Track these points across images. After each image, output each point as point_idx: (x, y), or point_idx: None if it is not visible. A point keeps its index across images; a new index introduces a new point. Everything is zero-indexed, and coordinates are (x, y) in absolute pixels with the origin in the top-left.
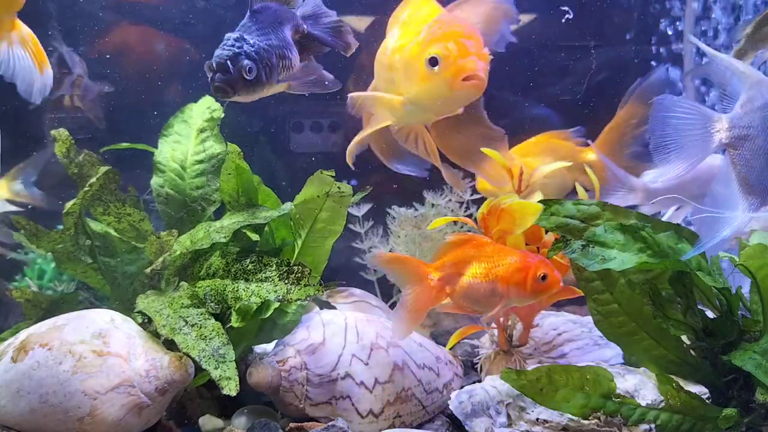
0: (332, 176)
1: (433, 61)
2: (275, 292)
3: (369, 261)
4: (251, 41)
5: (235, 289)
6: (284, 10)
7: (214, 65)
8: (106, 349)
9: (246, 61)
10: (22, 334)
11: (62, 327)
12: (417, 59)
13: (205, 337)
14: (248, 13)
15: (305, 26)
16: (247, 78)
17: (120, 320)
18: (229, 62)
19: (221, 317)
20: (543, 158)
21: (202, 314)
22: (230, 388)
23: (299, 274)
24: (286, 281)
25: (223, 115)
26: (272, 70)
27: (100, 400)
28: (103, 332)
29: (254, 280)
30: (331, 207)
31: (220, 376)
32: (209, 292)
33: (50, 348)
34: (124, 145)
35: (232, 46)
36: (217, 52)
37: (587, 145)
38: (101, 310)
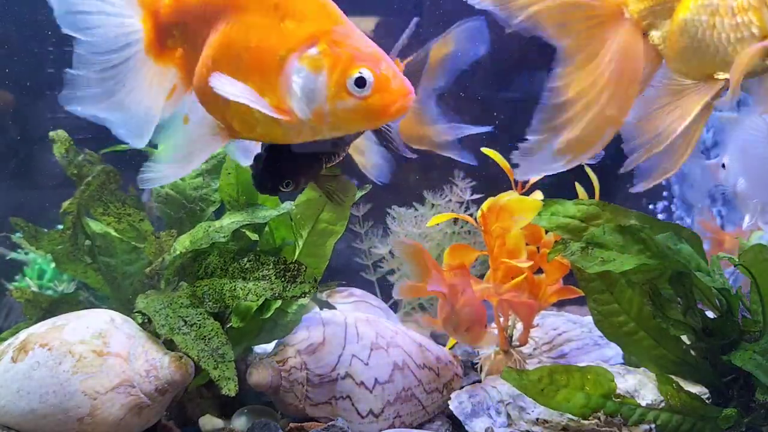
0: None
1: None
2: (272, 290)
3: (395, 244)
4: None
5: (233, 288)
6: None
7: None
8: (106, 349)
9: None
10: (22, 334)
11: (62, 327)
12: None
13: (204, 336)
14: None
15: None
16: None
17: (120, 320)
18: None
19: (221, 317)
20: None
21: (201, 314)
22: (229, 388)
23: (295, 272)
24: (283, 279)
25: None
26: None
27: (100, 400)
28: (103, 332)
29: (251, 278)
30: (334, 207)
31: (219, 376)
32: (207, 291)
33: (50, 348)
34: (124, 146)
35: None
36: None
37: None
38: (101, 310)
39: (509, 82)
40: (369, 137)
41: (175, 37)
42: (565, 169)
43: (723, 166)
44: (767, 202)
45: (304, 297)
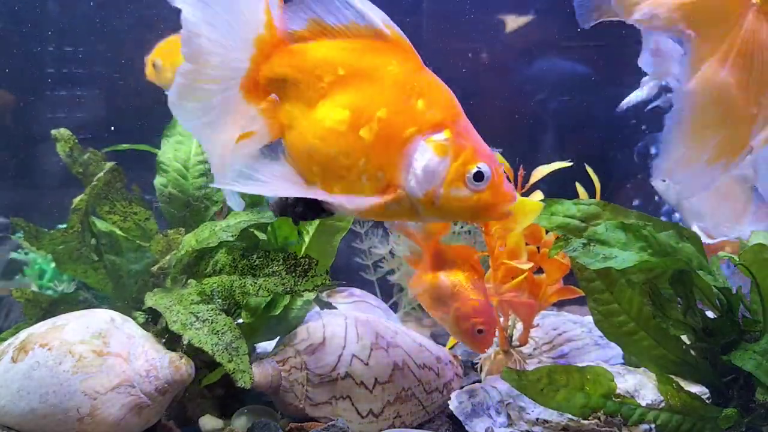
0: None
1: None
2: (282, 285)
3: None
4: None
5: (243, 284)
6: None
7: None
8: (106, 349)
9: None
10: (22, 334)
11: (62, 327)
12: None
13: (217, 331)
14: None
15: None
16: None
17: (120, 320)
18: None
19: (230, 314)
20: None
21: (212, 310)
22: (245, 381)
23: (306, 266)
24: (293, 274)
25: None
26: None
27: (100, 400)
28: (103, 332)
29: (261, 275)
30: None
31: (234, 369)
32: (216, 288)
33: (50, 348)
34: (126, 146)
35: None
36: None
37: None
38: (101, 310)
39: (506, 84)
40: None
41: (279, 86)
42: (725, 175)
43: (664, 180)
44: (715, 217)
45: (316, 290)
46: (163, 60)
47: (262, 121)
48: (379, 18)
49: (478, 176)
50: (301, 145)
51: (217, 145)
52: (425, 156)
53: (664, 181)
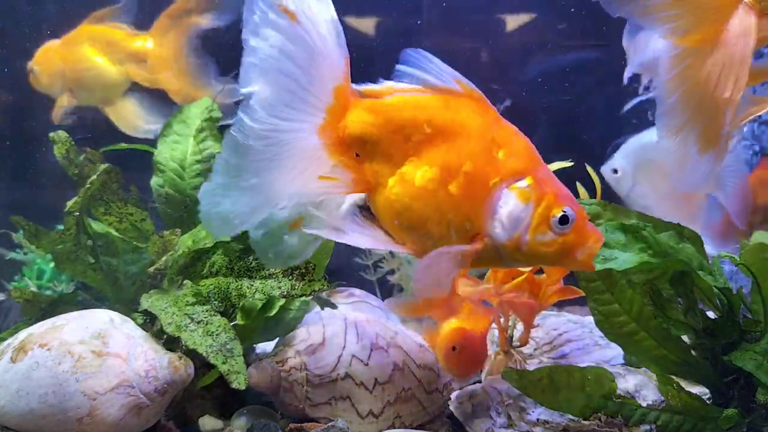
0: None
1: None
2: (279, 288)
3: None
4: None
5: (239, 286)
6: None
7: None
8: (106, 349)
9: None
10: (21, 335)
11: (61, 327)
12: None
13: (212, 333)
14: None
15: None
16: None
17: (119, 320)
18: None
19: (226, 315)
20: (95, 48)
21: (207, 311)
22: (239, 382)
23: (303, 270)
24: (290, 277)
25: (221, 115)
26: None
27: (100, 401)
28: (102, 332)
29: (258, 277)
30: None
31: (228, 370)
32: (213, 290)
33: (49, 348)
34: (123, 145)
35: None
36: None
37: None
38: (100, 311)
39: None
40: None
41: (361, 144)
42: (721, 166)
43: (615, 171)
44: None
45: (314, 295)
46: (39, 67)
47: (345, 173)
48: (449, 74)
49: (563, 220)
50: (392, 204)
51: (296, 190)
52: (509, 203)
53: (615, 172)
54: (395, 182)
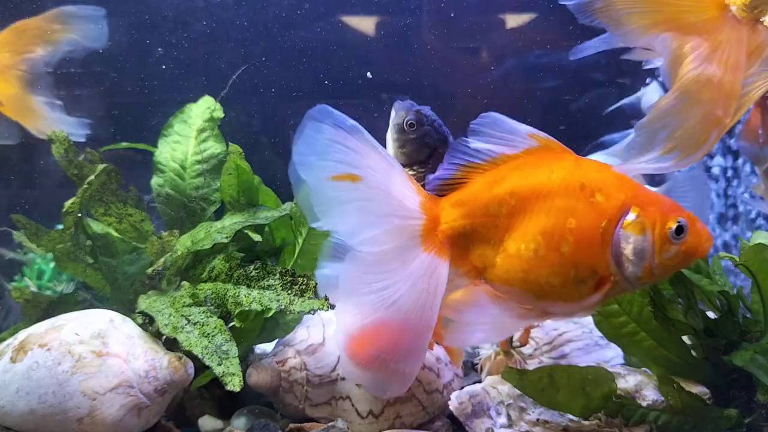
0: None
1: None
2: (278, 301)
3: None
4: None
5: (236, 294)
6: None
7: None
8: (105, 349)
9: (412, 117)
10: (21, 335)
11: (61, 327)
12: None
13: (208, 334)
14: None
15: None
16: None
17: (119, 321)
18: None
19: (223, 317)
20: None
21: (204, 312)
22: (234, 384)
23: (303, 286)
24: (289, 291)
25: (223, 115)
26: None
27: (99, 401)
28: (102, 333)
29: (256, 286)
30: None
31: (223, 372)
32: (210, 295)
33: (49, 348)
34: (124, 144)
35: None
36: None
37: None
38: (100, 311)
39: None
40: None
41: (459, 238)
42: (674, 170)
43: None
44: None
45: (313, 313)
46: None
47: (457, 273)
48: (523, 132)
49: (679, 230)
50: (506, 280)
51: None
52: (629, 241)
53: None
54: (502, 260)
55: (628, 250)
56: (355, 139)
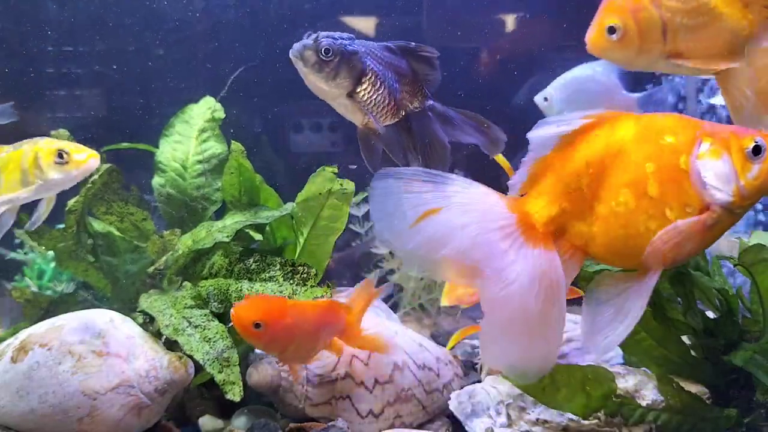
0: (335, 173)
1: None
2: (280, 292)
3: None
4: (356, 44)
5: (239, 288)
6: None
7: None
8: (106, 349)
9: (326, 41)
10: (22, 335)
11: (61, 327)
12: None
13: (209, 339)
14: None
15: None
16: (323, 58)
17: (119, 320)
18: (316, 39)
19: (225, 317)
20: None
21: (205, 315)
22: (234, 393)
23: (305, 275)
24: (291, 281)
25: (224, 115)
26: (356, 75)
27: (100, 401)
28: (102, 332)
29: (258, 279)
30: (333, 204)
31: (224, 380)
32: (212, 291)
33: (50, 348)
34: (125, 145)
35: (331, 36)
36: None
37: None
38: (101, 311)
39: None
40: None
41: (553, 223)
42: None
43: (545, 99)
44: None
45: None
46: None
47: (565, 261)
48: (576, 116)
49: (757, 150)
50: (611, 245)
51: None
52: (709, 168)
53: (545, 100)
54: (599, 227)
55: (710, 177)
56: (417, 181)
